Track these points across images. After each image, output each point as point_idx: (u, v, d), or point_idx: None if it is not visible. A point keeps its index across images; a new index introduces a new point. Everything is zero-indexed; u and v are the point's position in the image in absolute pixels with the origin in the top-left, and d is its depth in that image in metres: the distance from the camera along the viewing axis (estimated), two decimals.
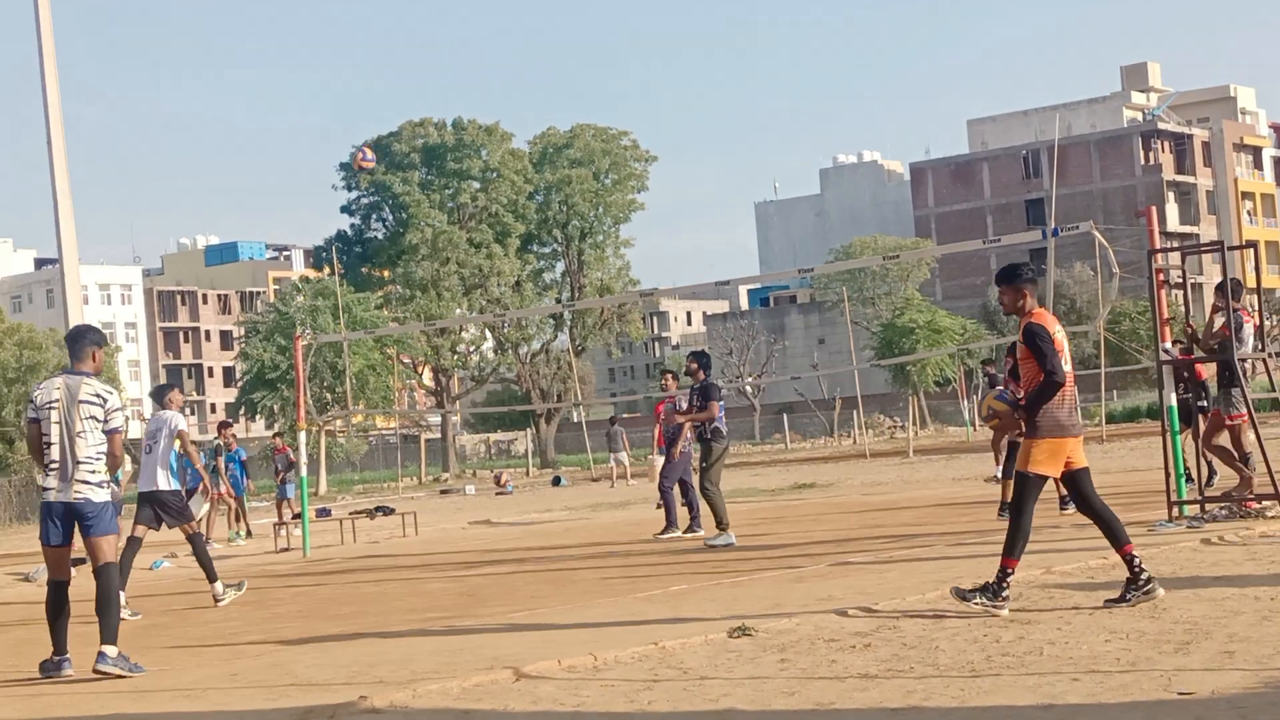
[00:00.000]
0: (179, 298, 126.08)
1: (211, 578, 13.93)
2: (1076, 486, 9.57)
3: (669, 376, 20.21)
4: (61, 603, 9.61)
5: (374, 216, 77.82)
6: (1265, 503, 14.05)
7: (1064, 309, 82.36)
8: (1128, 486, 17.11)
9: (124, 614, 12.13)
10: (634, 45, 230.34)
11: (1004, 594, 9.26)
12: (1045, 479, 9.43)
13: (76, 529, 9.60)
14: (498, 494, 42.38)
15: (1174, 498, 14.19)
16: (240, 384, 73.72)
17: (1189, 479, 14.79)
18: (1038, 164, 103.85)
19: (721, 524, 16.13)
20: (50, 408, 9.58)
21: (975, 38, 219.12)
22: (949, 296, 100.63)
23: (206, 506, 24.83)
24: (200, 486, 22.49)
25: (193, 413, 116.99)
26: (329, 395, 64.04)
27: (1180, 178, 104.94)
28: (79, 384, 9.62)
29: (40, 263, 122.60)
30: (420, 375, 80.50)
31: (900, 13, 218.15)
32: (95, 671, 9.27)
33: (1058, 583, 10.53)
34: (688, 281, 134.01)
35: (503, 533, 23.42)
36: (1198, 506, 14.31)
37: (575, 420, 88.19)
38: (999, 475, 17.12)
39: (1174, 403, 14.64)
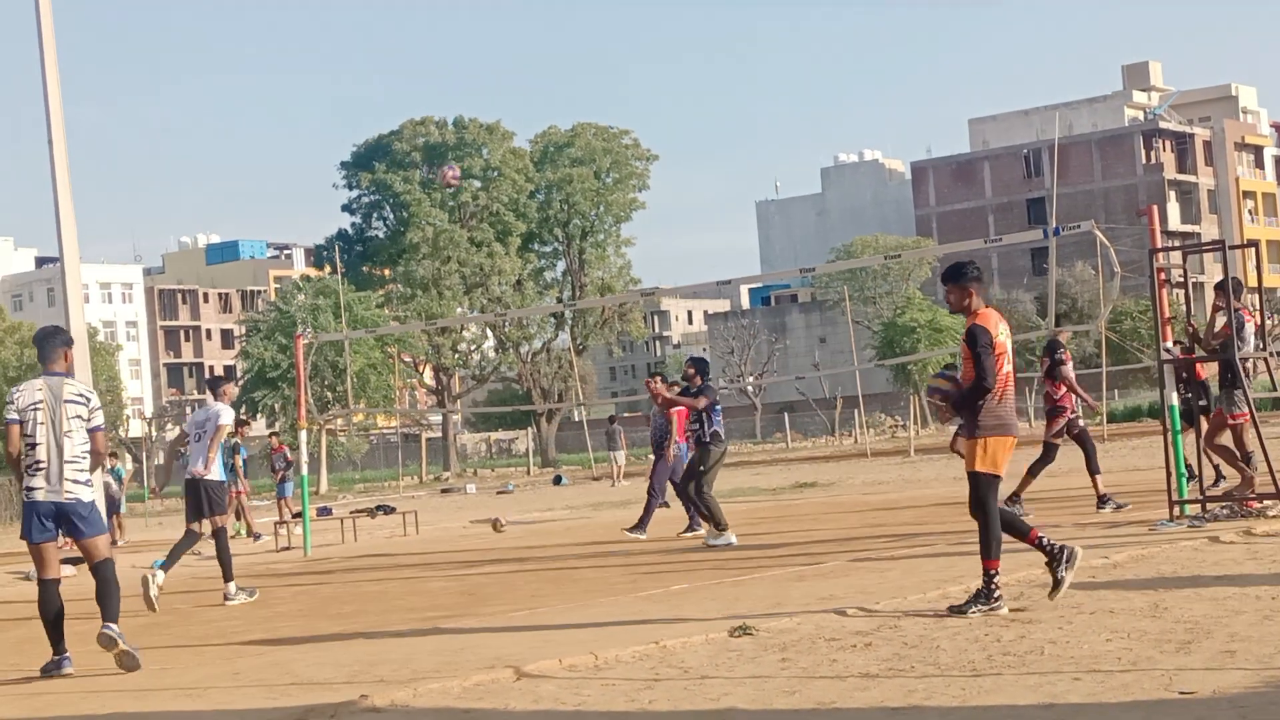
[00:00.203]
0: (180, 296, 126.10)
1: (227, 576, 14.07)
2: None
3: (657, 380, 20.12)
4: (55, 602, 9.65)
5: (375, 215, 77.88)
6: (1266, 502, 14.05)
7: (1065, 308, 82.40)
8: (1129, 486, 17.11)
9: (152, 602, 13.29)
10: (635, 44, 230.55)
11: (996, 595, 9.28)
12: (998, 477, 9.48)
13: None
14: (499, 493, 42.40)
15: (1175, 497, 14.20)
16: (241, 383, 73.73)
17: (1190, 476, 14.79)
18: (1039, 163, 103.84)
19: (720, 525, 16.11)
20: (35, 409, 9.66)
21: (977, 37, 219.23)
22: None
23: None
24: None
25: (193, 412, 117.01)
26: (330, 394, 64.10)
27: (1181, 177, 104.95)
28: (61, 384, 9.74)
29: (41, 261, 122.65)
30: (421, 374, 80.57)
31: (902, 12, 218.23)
32: (100, 636, 9.42)
33: None
34: (689, 281, 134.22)
35: (503, 532, 23.42)
36: (1199, 506, 14.31)
37: (576, 419, 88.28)
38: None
39: (1175, 402, 14.64)
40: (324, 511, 27.38)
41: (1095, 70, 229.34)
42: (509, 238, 75.72)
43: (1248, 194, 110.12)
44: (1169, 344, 14.89)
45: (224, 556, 14.12)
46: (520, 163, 77.01)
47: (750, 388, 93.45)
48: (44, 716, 8.27)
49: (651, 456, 20.00)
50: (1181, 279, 15.30)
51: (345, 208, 78.16)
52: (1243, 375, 14.27)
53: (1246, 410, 14.33)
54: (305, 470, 22.07)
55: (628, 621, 10.01)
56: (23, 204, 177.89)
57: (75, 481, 9.64)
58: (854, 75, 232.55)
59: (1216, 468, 15.89)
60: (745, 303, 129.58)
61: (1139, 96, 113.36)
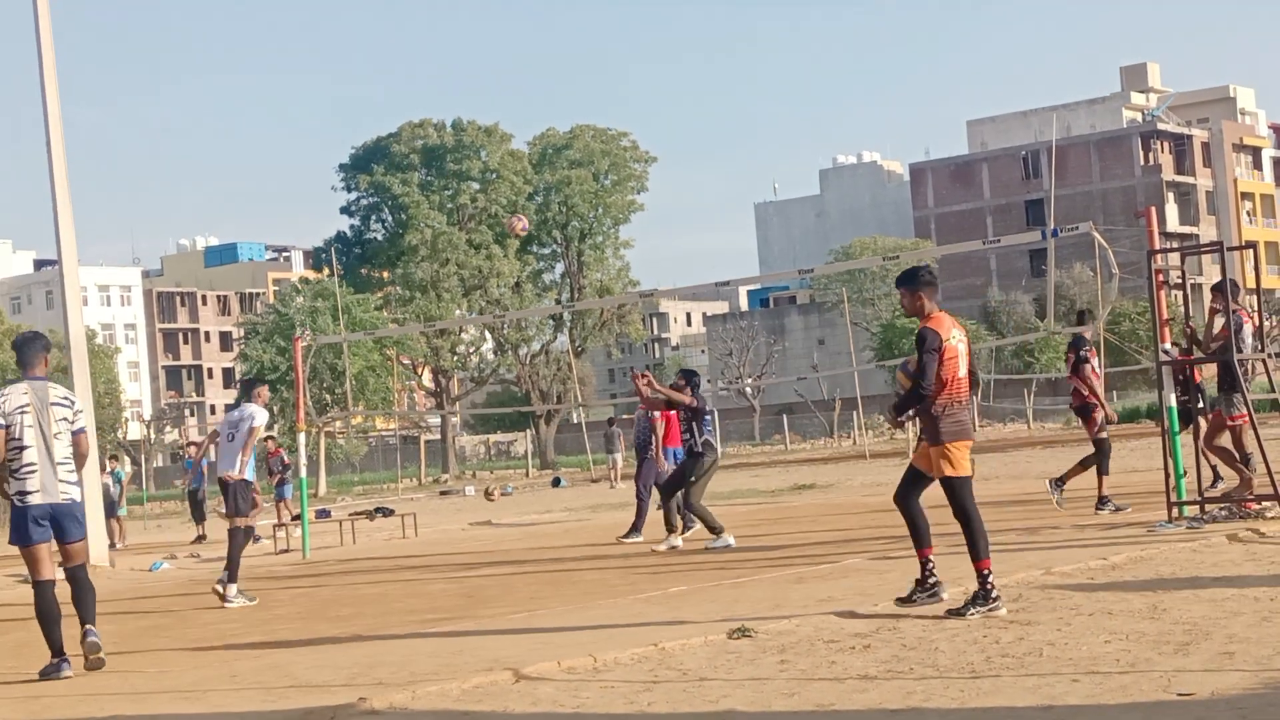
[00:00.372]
0: (178, 299, 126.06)
1: (232, 577, 14.17)
2: (913, 484, 9.88)
3: (643, 376, 20.10)
4: (52, 604, 9.69)
5: (373, 218, 77.85)
6: (1265, 503, 14.05)
7: (1064, 309, 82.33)
8: (1128, 487, 17.11)
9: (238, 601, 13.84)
10: (634, 44, 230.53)
11: (993, 595, 9.32)
12: (969, 477, 9.64)
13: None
14: (500, 496, 42.35)
15: (1174, 498, 14.20)
16: (240, 385, 73.61)
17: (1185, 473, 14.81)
18: (1037, 164, 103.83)
19: (715, 529, 16.11)
20: (22, 413, 9.75)
21: (975, 38, 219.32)
22: (949, 297, 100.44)
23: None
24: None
25: (192, 414, 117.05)
26: (329, 396, 64.10)
27: (1180, 178, 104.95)
28: (45, 389, 9.88)
29: (40, 264, 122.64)
30: (420, 376, 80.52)
31: (900, 13, 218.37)
32: (85, 645, 9.55)
33: (1057, 583, 10.53)
34: (687, 282, 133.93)
35: (502, 534, 23.42)
36: (1198, 507, 14.31)
37: (575, 421, 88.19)
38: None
39: (1174, 403, 14.64)
40: (323, 514, 27.37)
41: (1093, 72, 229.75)
42: (507, 240, 75.69)
43: (1246, 195, 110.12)
44: (1167, 345, 14.89)
45: (234, 557, 14.29)
46: (519, 165, 77.00)
47: (749, 389, 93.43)
48: (43, 718, 8.27)
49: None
50: (1180, 280, 15.30)
51: (344, 210, 78.15)
52: (1241, 377, 14.27)
53: (1245, 412, 14.34)
54: (304, 472, 22.08)
55: (626, 624, 10.01)
56: (21, 206, 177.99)
57: (68, 483, 9.75)
58: (852, 76, 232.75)
59: (1214, 469, 15.88)
60: (744, 304, 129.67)
61: (1137, 98, 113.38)
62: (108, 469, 28.98)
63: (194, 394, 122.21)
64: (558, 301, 76.26)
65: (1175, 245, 21.33)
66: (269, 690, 8.38)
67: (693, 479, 16.19)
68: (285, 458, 29.85)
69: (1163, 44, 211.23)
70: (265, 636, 11.27)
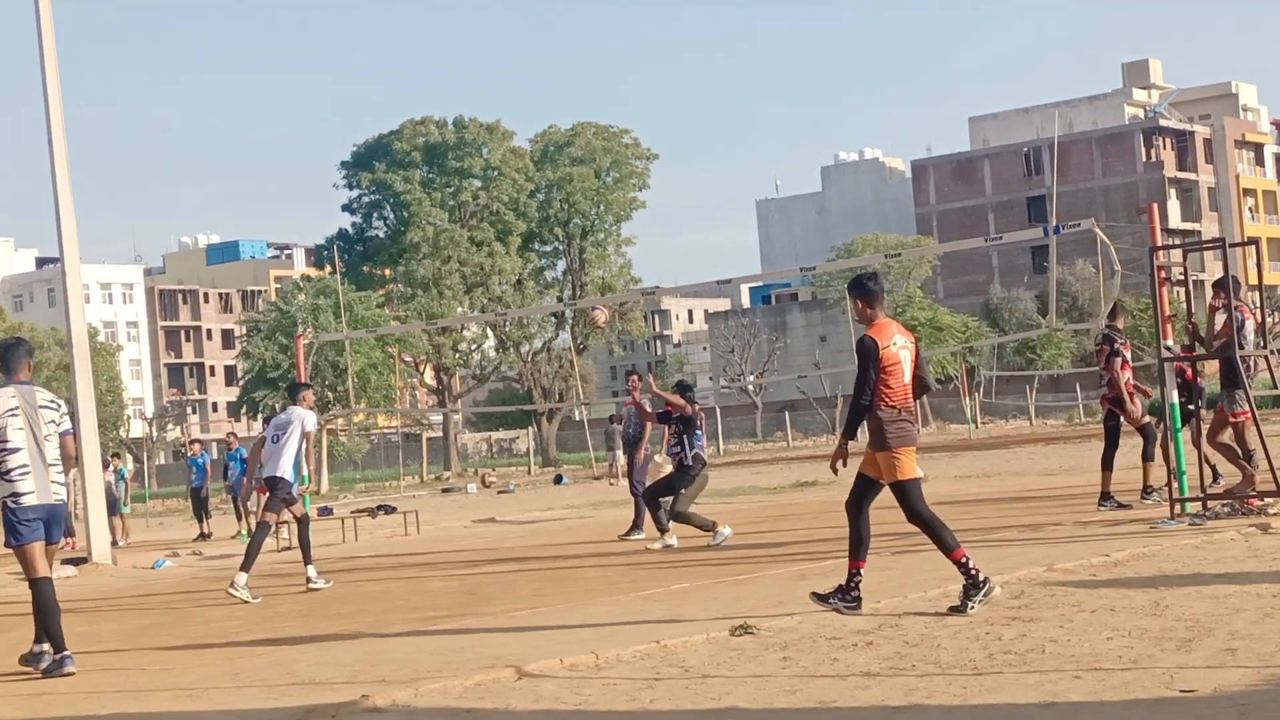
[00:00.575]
0: (180, 296, 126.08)
1: (245, 567, 14.37)
2: (864, 492, 9.88)
3: (636, 377, 20.11)
4: (51, 600, 9.71)
5: (375, 215, 77.84)
6: (1267, 500, 14.05)
7: (1066, 306, 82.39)
8: (1130, 484, 17.08)
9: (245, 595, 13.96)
10: (635, 43, 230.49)
11: (981, 579, 9.38)
12: (919, 480, 9.77)
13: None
14: (500, 492, 42.37)
15: (1176, 495, 14.19)
16: (242, 383, 73.78)
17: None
18: (1039, 161, 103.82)
19: (707, 527, 16.12)
20: (12, 415, 9.84)
21: (977, 35, 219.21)
22: (950, 294, 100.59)
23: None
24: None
25: (194, 412, 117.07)
26: (331, 394, 64.10)
27: (1182, 175, 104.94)
28: (32, 392, 10.00)
29: (41, 262, 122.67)
30: (422, 374, 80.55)
31: (901, 11, 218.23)
32: (26, 658, 9.84)
33: (1059, 580, 10.52)
34: (689, 280, 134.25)
35: (504, 531, 23.43)
36: (1199, 504, 14.31)
37: (577, 419, 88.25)
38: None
39: (1175, 400, 14.63)
40: (325, 511, 27.37)
41: (1095, 68, 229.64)
42: (509, 237, 75.70)
43: (1248, 191, 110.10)
44: (1169, 342, 14.87)
45: (254, 548, 14.55)
46: (520, 162, 76.98)
47: (751, 387, 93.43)
48: (44, 717, 8.26)
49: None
50: (1182, 277, 15.28)
51: (345, 207, 78.13)
52: (1243, 374, 14.26)
53: (1248, 408, 14.33)
54: (307, 470, 22.04)
55: (629, 621, 10.01)
56: (23, 204, 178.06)
57: (58, 484, 9.91)
58: (854, 74, 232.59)
59: (1213, 467, 15.86)
60: (746, 301, 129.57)
61: (1139, 94, 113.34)
62: (110, 467, 29.00)
63: (196, 392, 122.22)
64: (559, 299, 76.23)
65: (1177, 242, 21.32)
66: (271, 688, 8.38)
67: (681, 490, 16.23)
68: None
69: (1165, 40, 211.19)
70: (267, 634, 11.27)
